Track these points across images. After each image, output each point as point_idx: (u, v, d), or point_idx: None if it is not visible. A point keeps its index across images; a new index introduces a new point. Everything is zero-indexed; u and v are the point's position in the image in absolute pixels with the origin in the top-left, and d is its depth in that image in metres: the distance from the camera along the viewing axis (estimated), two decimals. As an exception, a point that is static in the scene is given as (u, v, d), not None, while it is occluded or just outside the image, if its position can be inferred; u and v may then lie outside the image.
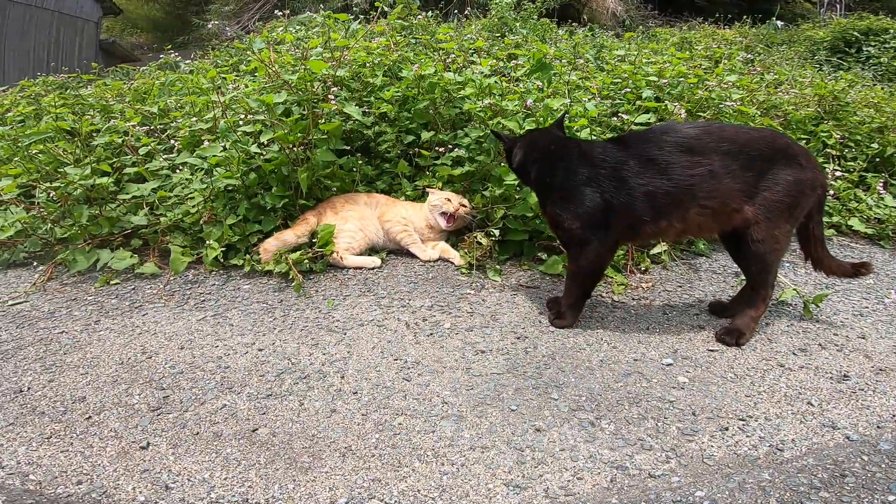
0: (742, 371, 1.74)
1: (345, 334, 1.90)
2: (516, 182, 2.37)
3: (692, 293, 2.30)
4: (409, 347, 1.81)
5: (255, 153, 2.43)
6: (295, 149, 2.51)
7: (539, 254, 2.47)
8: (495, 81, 2.52)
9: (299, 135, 2.49)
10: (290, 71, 2.69)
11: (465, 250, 2.43)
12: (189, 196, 2.62)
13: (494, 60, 2.77)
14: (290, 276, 2.27)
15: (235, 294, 2.25)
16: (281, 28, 3.89)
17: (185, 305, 2.18)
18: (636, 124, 2.53)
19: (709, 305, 2.15)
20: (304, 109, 2.60)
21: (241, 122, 2.56)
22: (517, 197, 2.39)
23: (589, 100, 2.71)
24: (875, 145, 3.37)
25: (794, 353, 1.85)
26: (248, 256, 2.42)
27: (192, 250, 2.55)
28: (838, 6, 10.38)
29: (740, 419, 1.51)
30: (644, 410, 1.54)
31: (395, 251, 2.60)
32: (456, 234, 2.66)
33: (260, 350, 1.83)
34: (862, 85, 4.55)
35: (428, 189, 2.60)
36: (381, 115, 2.88)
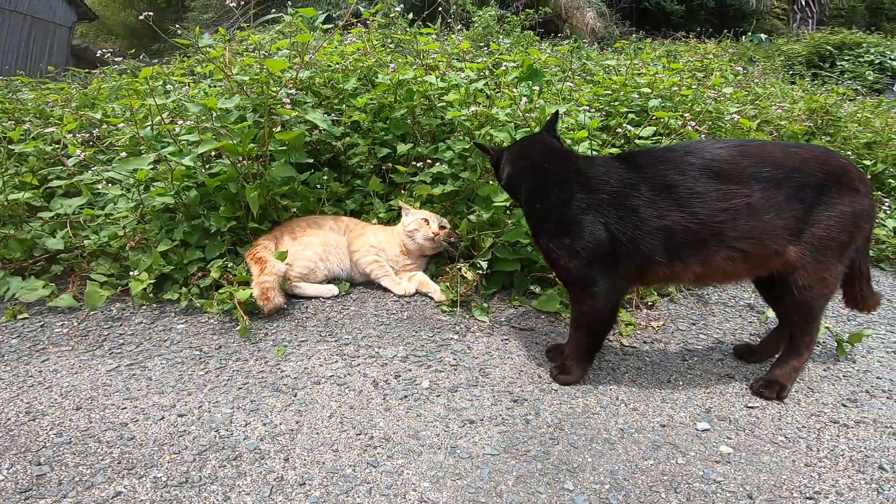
0: (793, 432, 1.44)
1: (295, 396, 1.49)
2: (507, 203, 2.02)
3: (708, 332, 1.98)
4: (377, 416, 1.41)
5: (192, 167, 2.02)
6: (246, 162, 2.11)
7: (531, 287, 2.12)
8: (483, 86, 2.19)
9: (251, 145, 2.10)
10: (245, 72, 2.31)
11: (447, 284, 2.06)
12: (121, 215, 2.20)
13: (483, 60, 2.44)
14: (236, 317, 1.86)
15: (164, 336, 1.82)
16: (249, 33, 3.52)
17: (96, 350, 1.74)
18: (640, 138, 2.22)
19: (734, 349, 1.83)
20: (259, 116, 2.22)
21: (178, 130, 2.16)
22: (509, 222, 2.04)
23: (581, 111, 2.41)
24: (868, 162, 3.20)
25: (843, 405, 1.57)
26: (184, 289, 2.00)
27: (118, 280, 2.12)
28: (810, 21, 10.62)
29: (808, 497, 1.21)
30: (686, 498, 1.18)
31: (367, 283, 2.21)
32: (434, 259, 2.29)
33: (180, 416, 1.42)
34: (850, 99, 4.43)
35: (402, 207, 2.23)
36: (353, 124, 2.52)
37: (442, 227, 2.14)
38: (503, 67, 2.32)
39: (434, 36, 2.50)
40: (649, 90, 2.79)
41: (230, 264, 2.05)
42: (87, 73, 5.38)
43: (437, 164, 2.22)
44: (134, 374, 1.61)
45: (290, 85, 2.24)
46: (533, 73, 2.36)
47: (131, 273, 1.99)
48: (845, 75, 6.87)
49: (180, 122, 2.26)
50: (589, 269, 1.42)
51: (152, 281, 1.98)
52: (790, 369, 1.57)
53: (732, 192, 1.36)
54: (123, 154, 2.18)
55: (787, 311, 1.53)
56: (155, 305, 2.02)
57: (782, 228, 1.39)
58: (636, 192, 1.39)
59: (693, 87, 2.86)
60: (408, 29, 2.38)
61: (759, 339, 1.90)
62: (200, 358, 1.68)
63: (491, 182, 2.12)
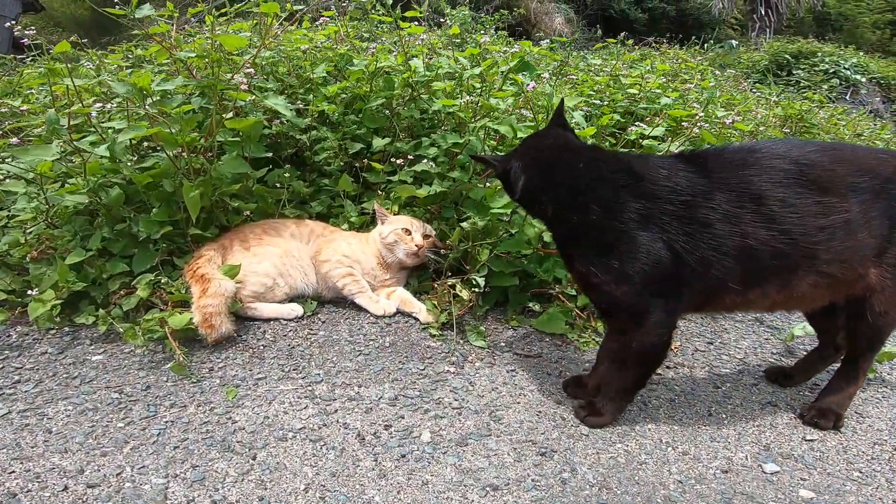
0: (865, 466, 1.25)
1: (254, 458, 1.12)
2: (508, 209, 1.73)
3: (729, 352, 1.77)
4: (370, 487, 1.05)
5: (110, 157, 1.62)
6: (186, 154, 1.72)
7: (530, 304, 1.84)
8: (480, 73, 1.89)
9: (194, 134, 1.71)
10: (193, 50, 1.92)
11: (434, 302, 1.74)
12: (27, 217, 1.76)
13: (485, 41, 2.14)
14: (169, 349, 1.46)
15: (74, 372, 1.40)
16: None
17: (-20, 394, 1.31)
18: (651, 138, 2.00)
19: (765, 372, 1.63)
20: (207, 101, 1.83)
21: (95, 114, 1.75)
22: (511, 232, 1.75)
23: (575, 110, 2.18)
24: None
25: (899, 429, 1.40)
26: (103, 311, 1.57)
27: (20, 298, 1.67)
28: (768, 30, 11.15)
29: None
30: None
31: (337, 300, 1.86)
32: (416, 272, 1.97)
33: (91, 486, 1.03)
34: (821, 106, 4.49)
35: (378, 212, 1.89)
36: (321, 116, 2.17)
37: (426, 236, 1.82)
38: (495, 57, 2.03)
39: (418, 21, 2.18)
40: (636, 91, 2.62)
41: (164, 279, 1.64)
42: (14, 59, 4.72)
43: (424, 161, 1.90)
44: (28, 425, 1.20)
45: (248, 65, 1.87)
46: (524, 66, 2.10)
47: (32, 292, 1.55)
48: (801, 84, 7.13)
49: (101, 105, 1.84)
50: (643, 296, 1.14)
51: (58, 301, 1.55)
52: (846, 396, 1.39)
53: (832, 207, 1.13)
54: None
55: (856, 336, 1.32)
56: (67, 330, 1.59)
57: (871, 248, 1.18)
58: (710, 201, 1.12)
59: (665, 89, 2.72)
60: (388, 12, 2.06)
61: (783, 360, 1.72)
62: (121, 402, 1.28)
63: (488, 183, 1.83)
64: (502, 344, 1.66)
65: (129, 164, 1.74)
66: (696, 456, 1.21)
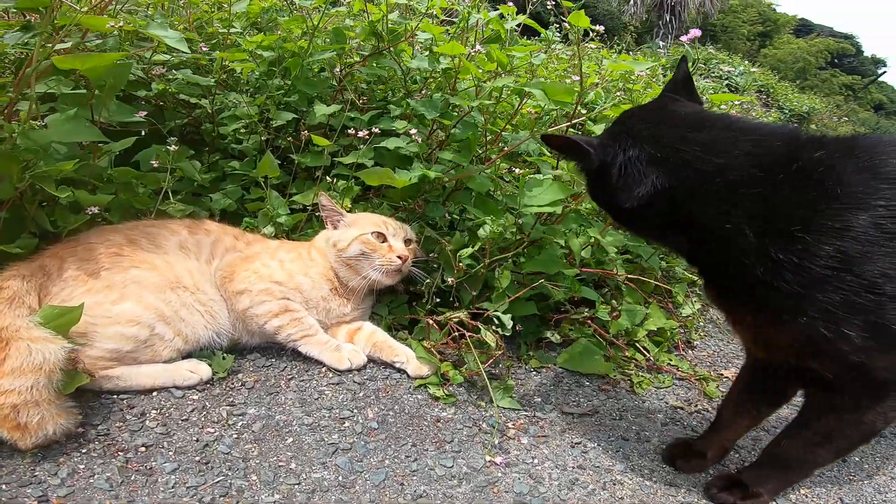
0: None
1: None
2: (555, 206, 1.19)
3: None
4: None
5: None
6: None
7: (547, 335, 1.32)
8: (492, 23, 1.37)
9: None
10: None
11: (424, 343, 1.15)
12: None
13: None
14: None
15: None
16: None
17: None
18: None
19: None
20: (34, 35, 1.06)
21: None
22: (543, 242, 1.23)
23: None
24: None
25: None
26: None
27: None
28: (669, 36, 12.67)
29: None
30: None
31: (265, 345, 1.16)
32: (387, 294, 1.36)
33: None
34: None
35: (325, 209, 1.25)
36: (230, 75, 1.47)
37: (407, 241, 1.23)
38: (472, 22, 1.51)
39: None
40: (598, 82, 2.35)
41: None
42: None
43: (414, 132, 1.28)
44: None
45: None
46: (498, 37, 1.62)
47: None
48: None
49: None
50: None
51: None
52: None
53: None
54: None
55: None
56: None
57: None
58: None
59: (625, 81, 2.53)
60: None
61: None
62: None
63: (512, 170, 1.29)
64: (537, 399, 1.12)
65: None
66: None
